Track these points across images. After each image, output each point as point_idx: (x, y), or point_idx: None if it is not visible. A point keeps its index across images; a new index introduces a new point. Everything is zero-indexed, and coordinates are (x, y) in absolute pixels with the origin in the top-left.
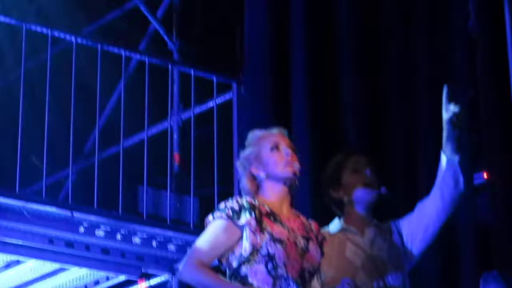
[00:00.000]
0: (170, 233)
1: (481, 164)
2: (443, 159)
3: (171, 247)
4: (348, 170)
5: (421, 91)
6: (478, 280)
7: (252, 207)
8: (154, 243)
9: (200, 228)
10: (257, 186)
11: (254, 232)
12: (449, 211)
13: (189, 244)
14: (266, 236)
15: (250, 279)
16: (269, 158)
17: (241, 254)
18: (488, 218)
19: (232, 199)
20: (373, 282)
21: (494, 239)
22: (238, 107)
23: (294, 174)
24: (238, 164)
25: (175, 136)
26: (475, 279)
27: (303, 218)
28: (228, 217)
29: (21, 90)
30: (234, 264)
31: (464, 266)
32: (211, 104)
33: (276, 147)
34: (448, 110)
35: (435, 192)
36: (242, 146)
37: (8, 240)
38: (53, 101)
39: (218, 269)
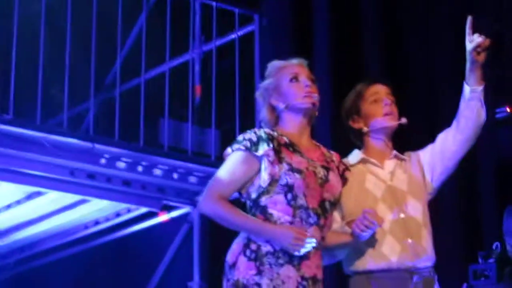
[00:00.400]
0: (191, 165)
1: (503, 98)
2: (466, 89)
3: (192, 179)
4: (367, 100)
5: (443, 24)
6: (499, 212)
7: (270, 138)
8: (175, 175)
9: (221, 160)
10: (277, 117)
11: (272, 163)
12: (470, 142)
13: (210, 176)
14: (285, 166)
15: (270, 210)
16: (288, 89)
17: (260, 185)
18: (510, 151)
19: (250, 131)
20: (393, 213)
21: None
22: (260, 39)
23: (313, 105)
24: (258, 95)
25: (196, 68)
26: (496, 212)
27: (323, 149)
28: (246, 148)
29: (42, 22)
30: (254, 196)
31: (485, 198)
32: (233, 36)
33: (295, 78)
34: (472, 40)
35: (457, 122)
36: (263, 78)
37: (29, 171)
38: (74, 33)
39: (238, 201)
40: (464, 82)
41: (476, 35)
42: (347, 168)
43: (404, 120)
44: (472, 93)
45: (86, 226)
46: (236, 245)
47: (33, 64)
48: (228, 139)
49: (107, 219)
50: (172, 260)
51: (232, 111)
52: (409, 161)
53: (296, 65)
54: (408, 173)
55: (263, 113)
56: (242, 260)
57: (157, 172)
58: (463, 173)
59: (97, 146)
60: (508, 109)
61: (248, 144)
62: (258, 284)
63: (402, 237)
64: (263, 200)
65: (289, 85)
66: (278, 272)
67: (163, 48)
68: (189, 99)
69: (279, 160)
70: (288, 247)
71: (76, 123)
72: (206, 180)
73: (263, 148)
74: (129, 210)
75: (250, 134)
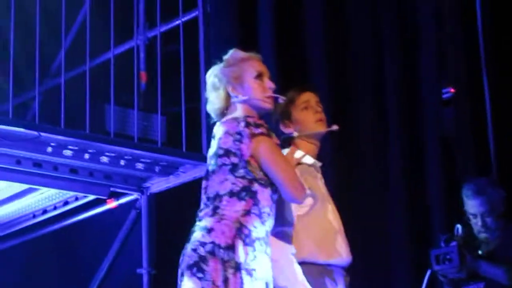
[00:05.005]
0: (137, 152)
1: (448, 79)
2: None
3: (139, 165)
4: (299, 106)
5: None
6: (446, 191)
7: None
8: (122, 162)
9: (167, 145)
10: (227, 105)
11: None
12: None
13: (157, 162)
14: None
15: (259, 196)
16: (253, 85)
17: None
18: (454, 130)
19: (249, 117)
20: (336, 213)
21: (458, 150)
22: (204, 24)
23: (271, 108)
24: (213, 76)
25: (141, 54)
26: (442, 191)
27: None
28: (268, 135)
29: None
30: (248, 177)
31: (431, 179)
32: (177, 22)
33: (260, 76)
34: None
35: None
36: (208, 63)
37: None
38: (19, 21)
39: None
40: None
41: None
42: None
43: (335, 127)
44: None
45: (34, 215)
46: (226, 227)
47: None
48: (174, 125)
49: (55, 208)
50: (120, 247)
51: (176, 96)
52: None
53: (260, 62)
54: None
55: (214, 97)
56: (239, 243)
57: (104, 159)
58: (409, 153)
59: (43, 134)
60: (452, 90)
61: (266, 131)
62: (254, 270)
63: (344, 237)
64: (255, 186)
65: (254, 81)
66: (261, 259)
67: (108, 35)
68: (134, 85)
69: None
70: None
71: (22, 112)
72: (153, 166)
73: (274, 137)
74: (77, 198)
75: (258, 120)
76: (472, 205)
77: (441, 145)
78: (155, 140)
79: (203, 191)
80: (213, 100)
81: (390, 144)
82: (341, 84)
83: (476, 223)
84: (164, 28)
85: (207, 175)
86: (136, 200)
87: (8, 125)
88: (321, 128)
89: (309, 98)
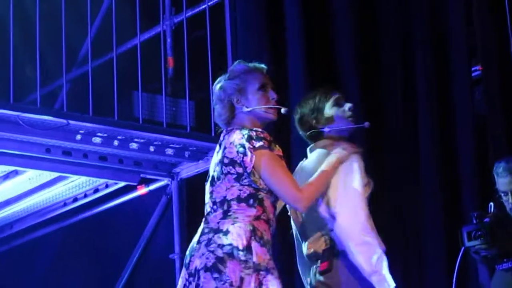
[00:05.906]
0: (167, 137)
1: (477, 57)
2: None
3: (169, 151)
4: (330, 103)
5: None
6: (477, 168)
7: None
8: (151, 148)
9: (196, 130)
10: (233, 116)
11: None
12: None
13: (187, 147)
14: None
15: (265, 203)
16: (256, 96)
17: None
18: (484, 109)
19: (251, 131)
20: None
21: (490, 128)
22: (230, 8)
23: (275, 118)
24: (218, 88)
25: (168, 40)
26: (472, 168)
27: None
28: (268, 147)
29: (11, 1)
30: (253, 186)
31: (463, 154)
32: (203, 6)
33: (263, 87)
34: None
35: None
36: (235, 47)
37: (5, 150)
38: (44, 10)
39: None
40: None
41: None
42: None
43: (367, 124)
44: None
45: (64, 203)
46: (240, 229)
47: (3, 44)
48: (202, 110)
49: (85, 195)
50: (152, 233)
51: (204, 81)
52: None
53: (263, 73)
54: None
55: (220, 108)
56: (256, 245)
57: (133, 145)
58: (441, 133)
59: (72, 122)
60: (480, 68)
61: (267, 143)
62: (274, 269)
63: None
64: (261, 194)
65: (257, 92)
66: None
67: (134, 22)
68: (161, 71)
69: None
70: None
71: (50, 101)
72: (183, 152)
73: (277, 149)
74: (107, 185)
75: (261, 133)
76: (503, 183)
77: (472, 124)
78: (184, 125)
79: (208, 195)
80: (219, 111)
81: (421, 124)
82: (370, 66)
83: (508, 201)
84: (190, 13)
85: (212, 180)
86: (166, 185)
87: (36, 114)
88: (353, 124)
89: (340, 95)
